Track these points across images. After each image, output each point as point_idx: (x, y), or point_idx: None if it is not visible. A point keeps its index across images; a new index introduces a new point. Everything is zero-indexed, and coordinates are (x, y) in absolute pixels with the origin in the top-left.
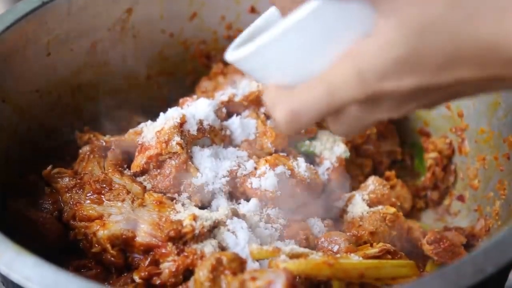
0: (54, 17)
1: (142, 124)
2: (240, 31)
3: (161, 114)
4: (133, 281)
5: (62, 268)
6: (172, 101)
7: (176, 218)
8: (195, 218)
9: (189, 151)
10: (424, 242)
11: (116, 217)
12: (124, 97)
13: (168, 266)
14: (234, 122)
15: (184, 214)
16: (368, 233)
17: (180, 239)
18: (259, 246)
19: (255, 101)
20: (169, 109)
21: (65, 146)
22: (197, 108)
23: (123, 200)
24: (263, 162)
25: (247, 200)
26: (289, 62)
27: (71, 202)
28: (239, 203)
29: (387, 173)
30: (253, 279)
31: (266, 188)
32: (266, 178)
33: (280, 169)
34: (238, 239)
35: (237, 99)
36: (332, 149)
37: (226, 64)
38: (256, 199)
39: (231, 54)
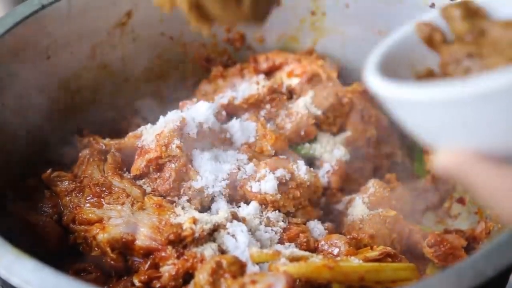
0: (54, 20)
1: (142, 127)
2: (240, 34)
3: (161, 117)
4: (133, 284)
5: (62, 271)
6: (172, 104)
7: (176, 221)
8: (195, 221)
9: (189, 154)
10: (425, 245)
11: (115, 220)
12: (123, 100)
13: (168, 269)
14: (234, 125)
15: (184, 217)
16: (368, 236)
17: (180, 242)
18: (259, 249)
19: (255, 104)
20: (168, 113)
21: (65, 149)
22: (197, 111)
23: (122, 204)
24: (263, 165)
25: (247, 203)
26: (479, 128)
27: (71, 206)
28: (239, 206)
29: (387, 175)
30: (253, 282)
31: (266, 191)
32: (266, 181)
33: (280, 172)
34: (238, 243)
35: (237, 102)
36: (332, 152)
37: (225, 67)
38: (256, 202)
39: (388, 86)
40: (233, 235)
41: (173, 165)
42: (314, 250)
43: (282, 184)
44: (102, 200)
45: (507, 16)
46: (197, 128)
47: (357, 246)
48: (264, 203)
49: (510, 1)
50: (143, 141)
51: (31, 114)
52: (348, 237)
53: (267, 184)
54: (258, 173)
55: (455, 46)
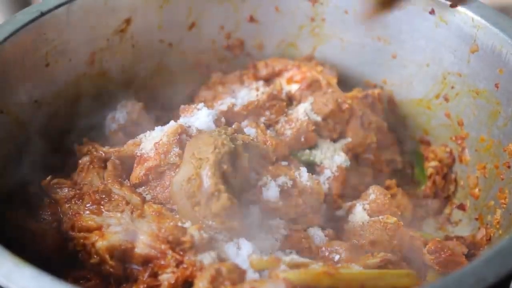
0: (53, 28)
1: (141, 135)
2: (239, 40)
3: (159, 127)
4: None
5: (61, 279)
6: (172, 111)
7: (183, 225)
8: (200, 228)
9: None
10: (425, 252)
11: (115, 228)
12: None
13: (167, 278)
14: None
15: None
16: (369, 242)
17: (177, 245)
18: (259, 256)
19: (254, 111)
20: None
21: (65, 156)
22: (197, 118)
23: (122, 211)
24: (264, 172)
25: None
26: None
27: (70, 213)
28: None
29: (388, 182)
30: None
31: (268, 199)
32: (267, 189)
33: (282, 179)
34: (241, 251)
35: (236, 108)
36: (332, 158)
37: (225, 73)
38: (257, 208)
39: None
40: (236, 243)
41: (172, 173)
42: (315, 256)
43: (284, 192)
44: (102, 207)
45: None
46: None
47: (357, 252)
48: (266, 210)
49: None
50: (141, 149)
51: (31, 121)
52: (348, 243)
53: (269, 192)
54: (260, 181)
55: None
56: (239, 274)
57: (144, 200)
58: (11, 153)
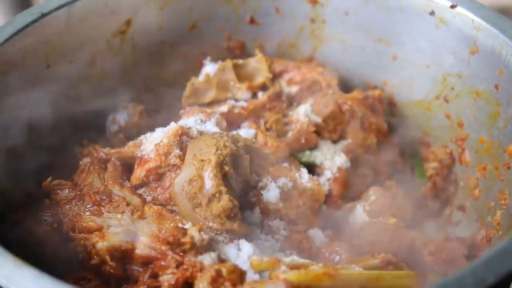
0: (53, 29)
1: (142, 136)
2: (239, 42)
3: (160, 128)
4: None
5: (61, 280)
6: (172, 113)
7: (185, 226)
8: (201, 229)
9: None
10: (425, 253)
11: (115, 229)
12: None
13: (167, 279)
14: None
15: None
16: (369, 243)
17: (178, 246)
18: (259, 257)
19: (255, 111)
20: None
21: (65, 158)
22: (198, 120)
23: (122, 212)
24: (265, 174)
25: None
26: None
27: (71, 214)
28: None
29: (388, 182)
30: None
31: (269, 200)
32: (268, 190)
33: (282, 180)
34: (241, 252)
35: (236, 110)
36: (333, 159)
37: None
38: (258, 210)
39: None
40: (237, 245)
41: (173, 175)
42: (315, 257)
43: (284, 193)
44: (102, 208)
45: None
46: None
47: (357, 253)
48: (266, 212)
49: None
50: (142, 150)
51: (32, 122)
52: (348, 244)
53: (269, 193)
54: (260, 182)
55: None
56: (239, 275)
57: (144, 201)
58: (12, 154)
